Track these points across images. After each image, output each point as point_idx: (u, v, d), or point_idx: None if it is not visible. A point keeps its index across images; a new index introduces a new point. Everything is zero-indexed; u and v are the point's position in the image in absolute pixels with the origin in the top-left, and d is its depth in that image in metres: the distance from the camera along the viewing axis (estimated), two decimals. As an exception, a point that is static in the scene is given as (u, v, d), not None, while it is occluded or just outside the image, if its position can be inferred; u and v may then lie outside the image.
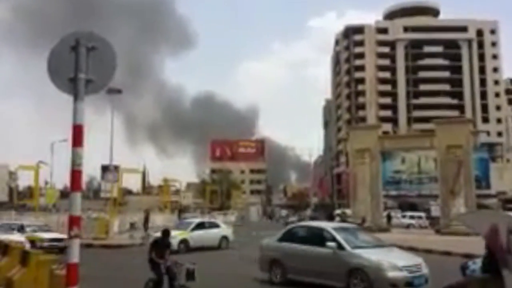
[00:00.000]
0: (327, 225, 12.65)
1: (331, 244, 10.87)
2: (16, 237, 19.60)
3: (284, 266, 12.04)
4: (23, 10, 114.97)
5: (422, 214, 46.87)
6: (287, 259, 12.01)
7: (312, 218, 49.23)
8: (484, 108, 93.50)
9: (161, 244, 9.62)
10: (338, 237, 11.12)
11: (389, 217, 41.14)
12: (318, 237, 11.57)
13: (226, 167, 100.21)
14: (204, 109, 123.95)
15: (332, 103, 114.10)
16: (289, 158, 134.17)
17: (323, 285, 11.02)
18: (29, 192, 69.04)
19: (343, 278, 10.48)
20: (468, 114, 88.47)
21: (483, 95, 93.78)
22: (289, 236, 12.54)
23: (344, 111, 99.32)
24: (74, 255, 4.08)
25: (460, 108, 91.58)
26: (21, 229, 21.97)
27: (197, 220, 25.76)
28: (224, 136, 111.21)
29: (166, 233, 9.82)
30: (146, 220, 34.14)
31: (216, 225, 25.08)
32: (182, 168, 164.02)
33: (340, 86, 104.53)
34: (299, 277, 11.69)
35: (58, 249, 20.26)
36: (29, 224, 23.82)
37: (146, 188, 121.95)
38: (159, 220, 43.62)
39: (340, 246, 10.84)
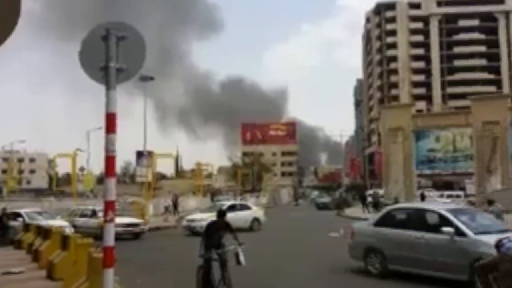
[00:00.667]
0: (440, 207, 10.92)
1: (447, 229, 9.35)
2: (58, 222, 19.80)
3: (383, 255, 10.59)
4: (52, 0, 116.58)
5: (461, 193, 45.76)
6: (388, 247, 10.53)
7: (342, 200, 48.76)
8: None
9: (217, 227, 8.23)
10: (456, 221, 9.56)
11: (422, 197, 40.50)
12: (428, 221, 10.16)
13: (258, 150, 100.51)
14: (233, 93, 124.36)
15: (363, 82, 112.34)
16: (319, 139, 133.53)
17: (435, 277, 9.59)
18: (68, 179, 71.20)
19: (465, 269, 8.82)
20: (506, 89, 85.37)
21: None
22: (389, 220, 11.06)
23: (375, 90, 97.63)
24: (110, 239, 4.24)
25: (497, 83, 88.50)
26: (93, 214, 21.62)
27: (228, 203, 25.99)
28: (253, 119, 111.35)
29: (221, 213, 8.46)
30: (175, 205, 34.77)
31: (247, 207, 25.30)
32: (212, 152, 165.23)
33: (371, 65, 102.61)
34: (404, 268, 10.21)
35: (134, 234, 20.39)
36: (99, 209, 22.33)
37: (180, 173, 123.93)
38: (192, 203, 44.43)
39: (458, 232, 9.32)
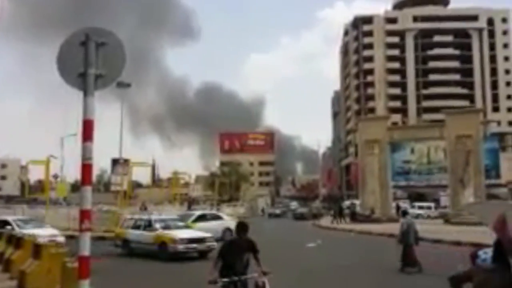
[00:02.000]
0: None
1: None
2: (48, 231, 18.74)
3: None
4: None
5: (432, 204, 46.72)
6: None
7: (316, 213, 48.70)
8: (495, 97, 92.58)
9: (238, 248, 6.01)
10: None
11: (398, 208, 41.12)
12: None
13: (235, 159, 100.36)
14: (209, 100, 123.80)
15: (340, 94, 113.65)
16: (295, 148, 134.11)
17: None
18: (40, 186, 69.73)
19: None
20: (479, 104, 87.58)
21: (494, 85, 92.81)
22: None
23: (353, 102, 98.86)
24: (86, 248, 4.15)
25: (470, 98, 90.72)
26: (148, 225, 17.21)
27: (198, 212, 25.42)
28: (229, 127, 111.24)
29: (243, 228, 6.13)
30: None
31: (218, 217, 24.78)
32: (187, 160, 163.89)
33: (349, 77, 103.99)
34: None
35: (199, 252, 16.05)
36: (159, 218, 18.71)
37: (156, 181, 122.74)
38: (169, 211, 43.95)
39: None
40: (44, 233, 17.62)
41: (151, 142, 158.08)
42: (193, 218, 22.34)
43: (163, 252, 15.64)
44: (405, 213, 14.76)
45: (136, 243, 17.02)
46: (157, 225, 16.97)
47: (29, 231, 17.50)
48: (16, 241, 12.60)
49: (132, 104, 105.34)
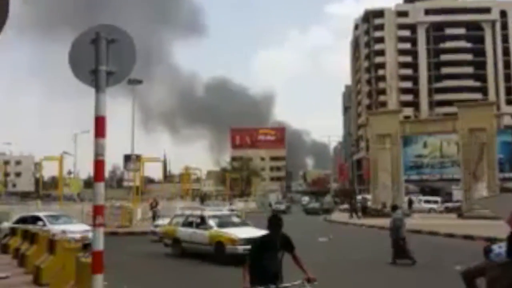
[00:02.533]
0: None
1: None
2: (78, 226, 18.07)
3: None
4: None
5: (438, 199, 46.37)
6: None
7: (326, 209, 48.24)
8: (508, 90, 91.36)
9: (271, 246, 5.07)
10: None
11: (410, 202, 40.90)
12: None
13: (247, 154, 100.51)
14: (219, 95, 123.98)
15: (351, 88, 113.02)
16: (305, 143, 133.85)
17: None
18: (54, 182, 70.47)
19: None
20: (492, 96, 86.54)
21: (507, 77, 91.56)
22: None
23: (364, 96, 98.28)
24: (99, 243, 4.20)
25: (484, 90, 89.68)
26: (201, 223, 15.15)
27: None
28: (239, 122, 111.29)
29: (277, 222, 5.08)
30: (154, 210, 31.20)
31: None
32: (197, 155, 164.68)
33: (360, 71, 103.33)
34: None
35: None
36: (213, 214, 16.46)
37: (168, 177, 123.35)
38: (180, 207, 44.16)
39: None
40: (75, 228, 17.50)
41: (161, 137, 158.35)
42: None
43: (220, 254, 13.83)
44: (395, 208, 14.84)
45: (188, 242, 15.22)
46: (211, 222, 14.97)
47: (61, 226, 17.48)
48: (31, 237, 12.77)
49: (142, 99, 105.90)
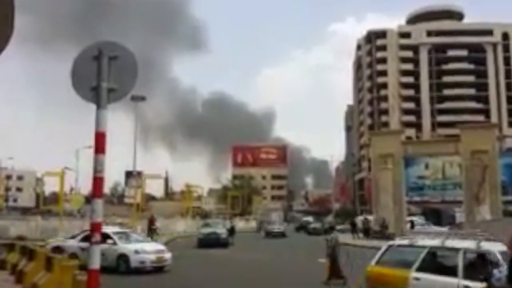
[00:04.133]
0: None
1: None
2: (153, 246, 16.93)
3: None
4: (32, 9, 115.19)
5: (418, 220, 43.36)
6: None
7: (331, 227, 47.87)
8: (510, 112, 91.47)
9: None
10: None
11: (412, 224, 40.52)
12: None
13: (248, 172, 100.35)
14: (219, 112, 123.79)
15: (354, 108, 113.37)
16: (305, 161, 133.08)
17: None
18: (55, 198, 70.32)
19: None
20: (494, 118, 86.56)
21: (509, 100, 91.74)
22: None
23: (366, 116, 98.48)
24: (96, 261, 4.15)
25: (486, 112, 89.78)
26: (451, 266, 8.36)
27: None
28: (238, 138, 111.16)
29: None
30: (150, 227, 30.79)
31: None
32: (197, 172, 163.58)
33: (362, 91, 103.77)
34: None
35: None
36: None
37: (169, 194, 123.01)
38: (180, 225, 43.99)
39: None
40: (149, 248, 16.33)
41: (159, 153, 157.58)
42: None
43: None
44: (332, 228, 15.20)
45: None
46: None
47: (134, 245, 16.07)
48: (29, 253, 12.67)
49: (141, 115, 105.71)
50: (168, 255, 16.24)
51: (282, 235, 41.42)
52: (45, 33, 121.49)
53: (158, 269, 15.78)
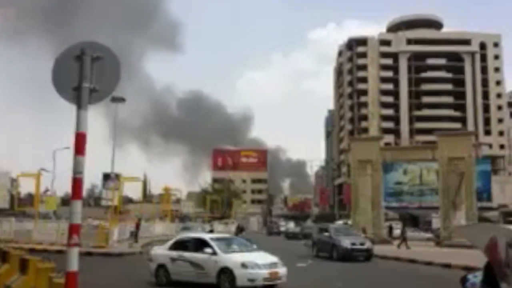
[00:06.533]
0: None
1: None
2: (264, 258, 12.57)
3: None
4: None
5: (394, 225, 43.80)
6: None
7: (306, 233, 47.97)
8: (487, 121, 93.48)
9: None
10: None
11: (390, 229, 40.93)
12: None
13: (228, 176, 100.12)
14: (196, 114, 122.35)
15: (334, 113, 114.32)
16: (282, 162, 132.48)
17: None
18: (30, 199, 68.94)
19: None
20: (471, 126, 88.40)
21: (486, 108, 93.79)
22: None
23: (346, 122, 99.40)
24: (73, 264, 4.09)
25: (463, 120, 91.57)
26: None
27: None
28: (214, 140, 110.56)
29: None
30: (136, 231, 31.82)
31: None
32: (171, 174, 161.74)
33: (342, 97, 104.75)
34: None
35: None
36: None
37: (147, 197, 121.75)
38: (159, 228, 43.60)
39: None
40: (260, 260, 12.19)
41: (133, 154, 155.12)
42: None
43: None
44: (241, 230, 15.16)
45: None
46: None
47: (238, 256, 12.39)
48: (2, 255, 12.39)
49: (113, 114, 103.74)
50: (283, 270, 12.43)
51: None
52: (10, 26, 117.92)
53: None
